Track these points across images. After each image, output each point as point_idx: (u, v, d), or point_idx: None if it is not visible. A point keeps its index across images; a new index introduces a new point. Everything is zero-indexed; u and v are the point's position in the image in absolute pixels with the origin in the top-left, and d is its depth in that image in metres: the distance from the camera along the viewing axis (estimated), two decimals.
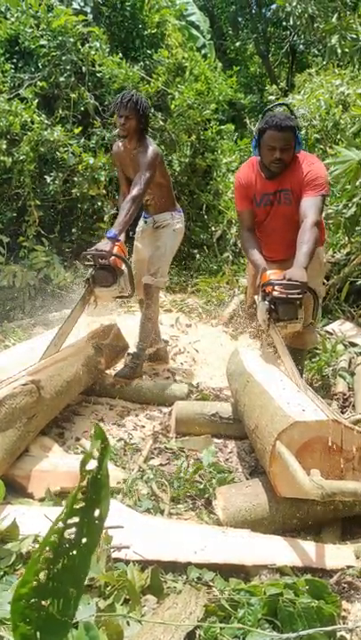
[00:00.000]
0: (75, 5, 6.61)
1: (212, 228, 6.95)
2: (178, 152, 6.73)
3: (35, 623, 0.65)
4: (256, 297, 2.99)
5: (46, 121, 5.73)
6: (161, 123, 6.46)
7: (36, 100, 5.70)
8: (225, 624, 1.49)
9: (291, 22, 6.20)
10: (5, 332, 4.82)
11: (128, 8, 6.83)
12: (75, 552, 0.68)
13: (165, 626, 1.35)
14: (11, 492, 2.23)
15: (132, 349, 3.80)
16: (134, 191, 3.32)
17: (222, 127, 7.30)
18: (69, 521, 0.69)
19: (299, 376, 2.64)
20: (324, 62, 6.79)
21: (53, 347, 2.95)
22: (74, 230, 6.03)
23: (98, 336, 3.45)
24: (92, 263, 3.16)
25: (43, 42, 5.93)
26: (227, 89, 6.87)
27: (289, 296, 2.67)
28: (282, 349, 2.78)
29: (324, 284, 4.54)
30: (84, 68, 6.11)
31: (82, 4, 6.67)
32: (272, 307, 2.73)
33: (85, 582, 0.76)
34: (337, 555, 1.94)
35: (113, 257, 3.13)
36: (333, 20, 5.95)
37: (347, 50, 6.34)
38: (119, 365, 3.89)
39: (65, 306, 5.49)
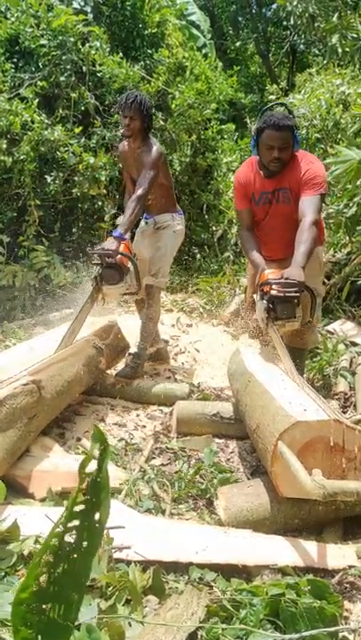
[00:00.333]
0: (75, 5, 6.61)
1: (213, 228, 6.94)
2: (178, 152, 6.73)
3: (36, 627, 0.65)
4: (255, 295, 3.00)
5: (47, 120, 5.73)
6: (161, 122, 6.46)
7: (37, 100, 5.71)
8: (227, 624, 1.48)
9: (291, 22, 6.19)
10: (6, 332, 4.81)
11: (128, 7, 6.83)
12: (75, 556, 0.68)
13: (167, 626, 1.34)
14: (11, 493, 2.22)
15: (133, 349, 3.81)
16: (139, 191, 3.37)
17: (223, 127, 7.31)
18: (69, 524, 0.68)
19: (298, 374, 2.65)
20: (325, 62, 6.78)
21: (64, 345, 3.02)
22: (74, 230, 6.03)
23: (99, 336, 3.45)
24: (99, 262, 3.24)
25: (43, 41, 5.93)
26: (227, 88, 6.87)
27: (287, 295, 2.70)
28: (280, 348, 2.79)
29: (324, 283, 4.54)
30: (84, 67, 6.11)
31: (82, 3, 6.67)
32: (270, 305, 2.76)
33: (87, 583, 0.75)
34: (339, 555, 1.93)
35: (119, 255, 3.21)
36: (334, 19, 5.94)
37: (347, 49, 6.33)
38: (119, 365, 3.89)
39: (65, 305, 5.49)
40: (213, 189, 7.02)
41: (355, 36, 6.33)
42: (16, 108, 5.46)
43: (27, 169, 5.47)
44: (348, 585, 1.80)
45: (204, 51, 9.47)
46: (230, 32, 15.41)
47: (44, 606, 0.66)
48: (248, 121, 9.34)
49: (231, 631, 1.43)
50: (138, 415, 3.29)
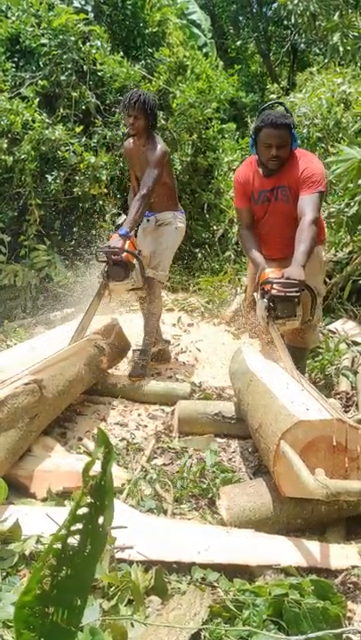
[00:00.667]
0: (75, 4, 6.60)
1: (214, 227, 6.93)
2: (179, 151, 6.71)
3: (39, 631, 0.64)
4: (255, 294, 3.02)
5: (47, 120, 5.73)
6: (162, 122, 6.44)
7: (37, 99, 5.70)
8: (230, 625, 1.47)
9: (292, 20, 6.17)
10: (7, 332, 4.81)
11: (129, 6, 6.82)
12: (79, 560, 0.67)
13: (170, 627, 1.33)
14: (13, 492, 2.21)
15: (139, 346, 3.85)
16: (143, 190, 3.42)
17: (224, 126, 7.29)
18: (73, 527, 0.68)
19: (298, 373, 2.67)
20: (326, 61, 6.77)
21: (74, 342, 3.13)
22: (75, 229, 6.03)
23: (100, 335, 3.45)
24: (105, 259, 3.32)
25: (44, 40, 5.92)
26: (228, 88, 6.86)
27: (287, 294, 2.72)
28: (280, 346, 2.80)
29: (326, 282, 4.54)
30: (85, 66, 6.10)
31: (83, 2, 6.66)
32: (271, 304, 2.78)
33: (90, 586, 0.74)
34: (342, 555, 1.93)
35: (125, 253, 3.28)
36: (335, 18, 5.93)
37: (349, 48, 6.32)
38: (121, 365, 3.89)
39: (66, 305, 5.49)
40: (214, 189, 7.01)
41: (356, 34, 6.32)
42: (17, 107, 5.46)
43: (27, 168, 5.46)
44: (351, 585, 1.79)
45: (204, 50, 9.45)
46: (231, 31, 15.38)
47: (47, 610, 0.65)
48: (249, 120, 9.34)
49: (234, 632, 1.43)
50: (139, 415, 3.28)
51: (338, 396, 3.39)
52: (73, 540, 0.68)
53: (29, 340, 3.46)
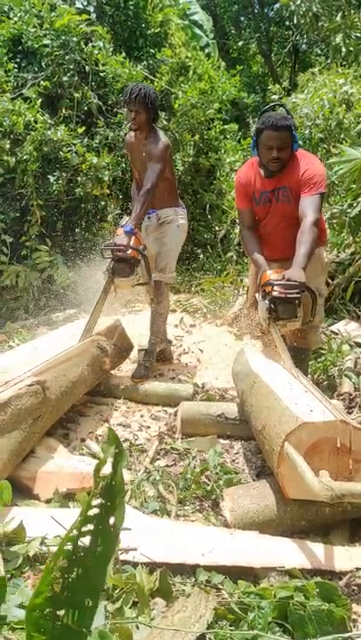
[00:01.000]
0: (78, 5, 6.60)
1: (216, 228, 6.93)
2: (181, 152, 6.71)
3: (50, 634, 0.64)
4: (257, 295, 3.04)
5: (50, 120, 5.73)
6: (164, 122, 6.44)
7: (40, 100, 5.71)
8: (235, 628, 1.47)
9: (295, 21, 6.17)
10: (9, 333, 4.81)
11: (131, 7, 6.83)
12: (90, 560, 0.66)
13: (175, 629, 1.33)
14: (16, 494, 2.20)
15: (142, 346, 3.87)
16: (148, 185, 3.45)
17: (226, 127, 7.29)
18: (84, 528, 0.67)
19: (301, 374, 2.69)
20: (328, 61, 6.77)
21: (83, 339, 3.21)
22: (77, 230, 6.03)
23: (103, 336, 3.44)
24: (111, 256, 3.37)
25: (46, 41, 5.93)
26: (230, 88, 6.85)
27: (288, 296, 2.75)
28: (281, 347, 2.83)
29: (328, 283, 4.53)
30: (87, 67, 6.11)
31: (85, 3, 6.67)
32: (272, 306, 2.81)
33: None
34: (346, 557, 1.92)
35: (130, 250, 3.32)
36: (338, 18, 5.93)
37: (351, 48, 6.31)
38: (123, 366, 3.88)
39: (68, 306, 5.49)
40: (216, 189, 7.01)
41: (358, 35, 6.31)
42: (19, 107, 5.46)
43: (30, 169, 5.47)
44: (355, 587, 1.79)
45: (206, 50, 9.45)
46: (233, 32, 15.36)
47: (57, 612, 0.65)
48: (250, 121, 9.32)
49: (240, 635, 1.42)
50: (142, 416, 3.28)
51: (341, 398, 3.39)
52: (84, 541, 0.67)
53: (32, 341, 3.46)
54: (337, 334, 4.26)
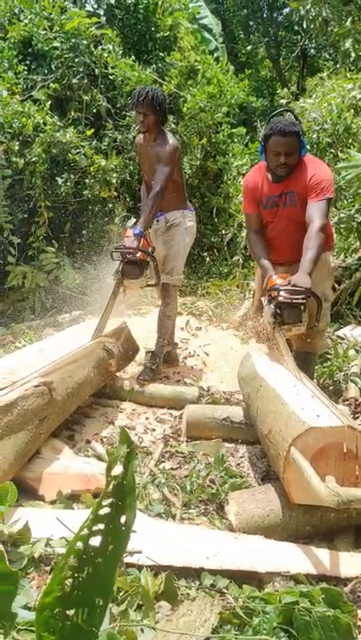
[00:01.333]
0: (88, 7, 6.62)
1: (223, 231, 6.93)
2: (189, 155, 6.73)
3: (59, 633, 0.64)
4: (263, 298, 3.06)
5: (59, 122, 5.75)
6: (173, 125, 6.46)
7: (49, 102, 5.73)
8: (240, 632, 1.47)
9: (304, 26, 6.18)
10: (15, 334, 4.82)
11: (141, 11, 6.84)
12: (100, 560, 0.66)
13: (180, 633, 1.33)
14: (21, 494, 2.21)
15: (149, 348, 3.89)
16: (157, 188, 3.47)
17: (233, 130, 7.30)
18: (95, 528, 0.67)
19: (304, 377, 2.70)
20: (337, 66, 6.77)
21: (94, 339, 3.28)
22: (84, 232, 6.04)
23: (109, 338, 3.45)
24: (120, 258, 3.41)
25: (56, 44, 5.95)
26: (239, 92, 6.86)
27: (293, 301, 2.78)
28: (285, 351, 2.84)
29: (335, 288, 4.53)
30: (96, 70, 6.13)
31: (95, 6, 6.68)
32: (277, 310, 2.83)
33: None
34: (351, 563, 1.92)
35: (140, 252, 3.36)
36: (347, 23, 5.93)
37: (360, 53, 6.31)
38: (129, 368, 3.89)
39: (75, 307, 5.50)
40: (223, 193, 7.01)
41: None
42: (28, 109, 5.48)
43: (38, 171, 5.49)
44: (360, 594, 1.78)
45: (215, 54, 9.48)
46: (241, 36, 15.38)
47: (67, 612, 0.65)
48: (258, 124, 9.33)
49: (245, 639, 1.42)
50: (147, 418, 3.28)
51: (347, 403, 3.38)
52: (94, 541, 0.67)
53: (38, 342, 3.47)
54: (343, 339, 4.25)
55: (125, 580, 1.62)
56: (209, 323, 5.27)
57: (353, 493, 1.75)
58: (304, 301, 2.78)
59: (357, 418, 3.19)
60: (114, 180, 5.84)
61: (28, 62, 6.15)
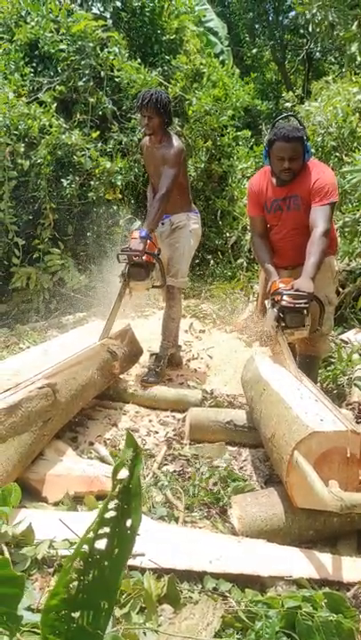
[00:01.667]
0: (94, 10, 6.64)
1: (227, 234, 6.93)
2: (194, 157, 6.74)
3: (65, 636, 0.64)
4: (266, 302, 3.08)
5: (64, 125, 5.77)
6: (178, 128, 6.47)
7: (55, 104, 5.74)
8: (242, 636, 1.47)
9: (310, 29, 6.18)
10: (19, 335, 4.83)
11: (147, 14, 6.86)
12: (106, 563, 0.67)
13: (183, 637, 1.33)
14: (25, 496, 2.21)
15: (152, 350, 3.90)
16: (162, 190, 3.49)
17: (239, 133, 7.30)
18: (100, 531, 0.68)
19: (306, 379, 2.70)
20: (343, 70, 6.77)
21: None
22: (89, 234, 6.05)
23: (113, 340, 3.46)
24: (126, 261, 3.43)
25: (62, 46, 5.97)
26: (244, 95, 6.87)
27: (296, 305, 2.80)
28: (288, 354, 2.86)
29: (339, 292, 4.52)
30: (102, 72, 6.15)
31: (101, 9, 6.70)
32: (280, 314, 2.85)
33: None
34: (354, 567, 1.92)
35: (145, 255, 3.38)
36: (353, 27, 5.93)
37: None
38: (133, 370, 3.89)
39: (79, 309, 5.51)
40: (228, 196, 7.02)
41: None
42: (34, 111, 5.50)
43: (43, 172, 5.51)
44: None
45: (221, 57, 9.48)
46: (247, 39, 15.41)
47: (73, 614, 0.65)
48: (263, 128, 9.33)
49: None
50: (150, 421, 3.28)
51: (350, 407, 3.37)
52: (100, 544, 0.68)
53: (42, 344, 3.48)
54: (347, 343, 4.24)
55: (128, 582, 1.62)
56: (213, 325, 5.27)
57: (356, 498, 1.75)
58: (307, 306, 2.80)
59: None
60: (119, 183, 5.85)
61: (34, 64, 6.17)
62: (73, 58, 5.98)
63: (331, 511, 1.85)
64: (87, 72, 6.01)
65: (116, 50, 6.16)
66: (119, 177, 5.85)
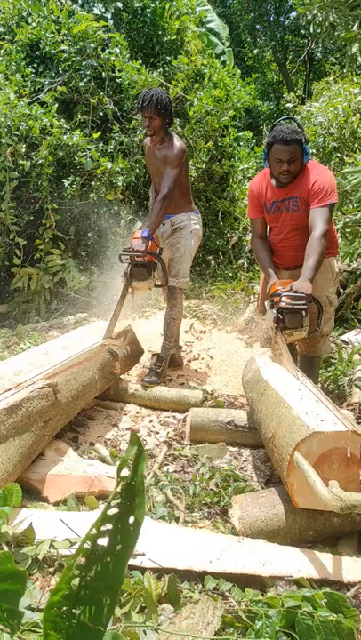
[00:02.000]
0: (96, 11, 6.65)
1: (228, 235, 6.94)
2: (195, 158, 6.74)
3: (66, 632, 0.65)
4: (266, 303, 3.11)
5: (65, 125, 5.78)
6: (179, 129, 6.48)
7: (56, 105, 5.75)
8: (242, 636, 1.47)
9: (311, 30, 6.17)
10: (20, 335, 4.84)
11: (148, 14, 6.87)
12: (108, 559, 0.67)
13: (182, 636, 1.33)
14: (25, 496, 2.22)
15: (153, 351, 3.90)
16: (165, 190, 3.51)
17: (240, 134, 7.30)
18: (103, 527, 0.68)
19: (307, 380, 2.71)
20: (344, 71, 6.77)
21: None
22: (90, 234, 6.06)
23: (114, 340, 3.46)
24: (128, 261, 3.49)
25: (63, 47, 5.98)
26: (245, 96, 6.88)
27: (295, 307, 2.82)
28: (286, 355, 2.87)
29: (340, 293, 4.53)
30: (103, 73, 6.16)
31: (103, 9, 6.71)
32: (279, 316, 2.88)
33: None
34: (354, 567, 1.92)
35: (147, 255, 3.43)
36: (354, 28, 5.92)
37: None
38: (133, 370, 3.90)
39: (80, 309, 5.51)
40: (229, 196, 7.03)
41: None
42: (35, 112, 5.51)
43: (45, 173, 5.51)
44: None
45: (222, 58, 9.48)
46: (248, 40, 15.42)
47: (74, 610, 0.66)
48: (264, 128, 9.35)
49: None
50: (151, 421, 3.29)
51: (351, 408, 3.38)
52: (103, 540, 0.68)
53: (43, 344, 3.48)
54: (348, 344, 4.25)
55: (129, 582, 1.62)
56: (213, 326, 5.28)
57: (356, 498, 1.75)
58: (305, 307, 2.83)
59: None
60: (120, 183, 5.86)
61: (35, 65, 6.19)
62: (74, 58, 5.99)
63: (331, 511, 1.86)
64: (88, 73, 6.02)
65: (118, 50, 6.17)
66: (120, 177, 5.86)
